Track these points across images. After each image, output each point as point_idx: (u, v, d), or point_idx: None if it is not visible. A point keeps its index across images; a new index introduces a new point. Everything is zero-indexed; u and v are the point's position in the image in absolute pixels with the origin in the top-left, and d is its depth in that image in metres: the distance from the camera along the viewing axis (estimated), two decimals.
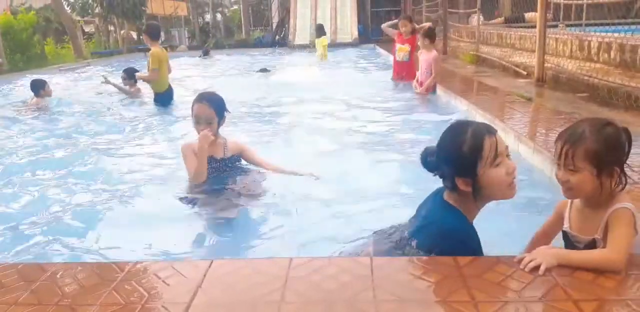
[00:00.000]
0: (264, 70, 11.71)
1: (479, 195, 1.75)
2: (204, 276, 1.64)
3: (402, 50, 7.75)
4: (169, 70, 7.14)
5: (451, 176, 1.76)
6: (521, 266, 1.61)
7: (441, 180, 1.83)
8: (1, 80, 10.81)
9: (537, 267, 1.59)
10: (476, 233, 1.79)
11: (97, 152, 4.50)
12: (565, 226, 1.83)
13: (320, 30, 13.73)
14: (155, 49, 6.83)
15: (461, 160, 1.72)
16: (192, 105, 3.06)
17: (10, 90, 9.78)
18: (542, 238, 1.96)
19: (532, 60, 6.72)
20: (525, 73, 6.98)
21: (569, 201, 1.82)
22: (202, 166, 3.00)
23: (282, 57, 16.21)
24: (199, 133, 3.00)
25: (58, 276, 1.68)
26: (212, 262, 1.72)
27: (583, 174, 1.64)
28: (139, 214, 2.94)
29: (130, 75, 7.77)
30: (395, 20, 8.29)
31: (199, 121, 3.03)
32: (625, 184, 1.69)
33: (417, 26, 7.64)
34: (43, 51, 15.93)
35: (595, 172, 1.63)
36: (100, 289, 1.57)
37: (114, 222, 2.81)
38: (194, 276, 1.63)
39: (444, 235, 1.76)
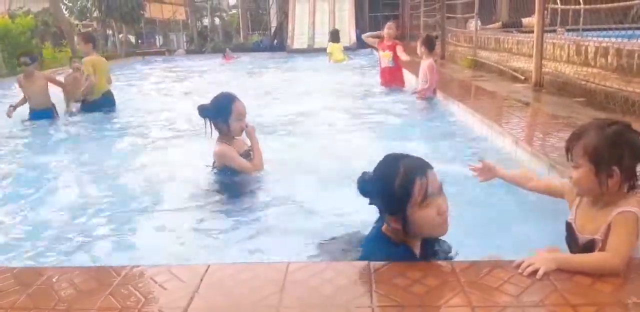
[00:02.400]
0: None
1: (409, 232, 1.71)
2: (201, 280, 1.63)
3: (385, 56, 8.01)
4: (109, 81, 7.40)
5: (382, 212, 1.74)
6: (519, 270, 1.61)
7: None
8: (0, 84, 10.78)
9: (535, 272, 1.59)
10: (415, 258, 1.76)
11: (93, 157, 4.50)
12: (571, 217, 1.82)
13: (335, 35, 13.88)
14: (92, 57, 7.10)
15: (390, 198, 1.66)
16: (231, 104, 3.23)
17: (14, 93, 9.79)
18: (528, 181, 2.05)
19: (529, 64, 6.74)
20: (522, 78, 6.99)
21: (576, 199, 1.82)
22: (260, 155, 3.36)
23: (293, 61, 16.14)
24: (238, 129, 3.29)
25: (54, 280, 1.67)
26: (209, 267, 1.71)
27: (582, 171, 1.65)
28: (136, 218, 2.93)
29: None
30: (377, 32, 8.43)
31: (241, 118, 3.28)
32: (635, 187, 1.66)
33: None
34: (41, 55, 15.91)
35: (593, 170, 1.62)
36: (96, 293, 1.56)
37: (110, 226, 2.81)
38: (191, 281, 1.62)
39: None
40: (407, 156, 1.73)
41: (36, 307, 1.51)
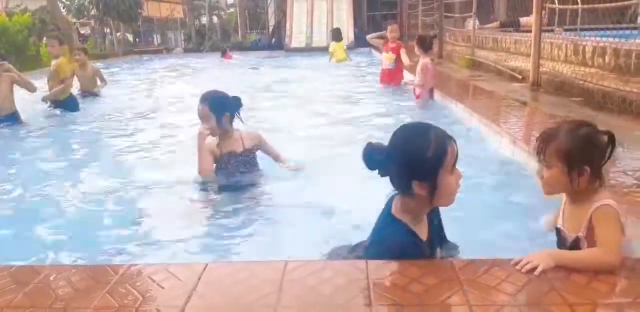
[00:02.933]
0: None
1: (434, 198, 1.73)
2: (199, 279, 1.63)
3: (388, 58, 8.09)
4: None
5: (407, 179, 1.72)
6: (517, 267, 1.62)
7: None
8: None
9: (533, 269, 1.60)
10: (424, 245, 1.79)
11: (89, 153, 4.49)
12: (560, 223, 1.86)
13: (337, 34, 13.80)
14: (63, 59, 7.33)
15: (423, 164, 1.68)
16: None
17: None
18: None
19: (527, 64, 6.74)
20: (520, 77, 7.00)
21: (564, 198, 1.87)
22: (202, 163, 3.26)
23: (291, 60, 16.11)
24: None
25: (51, 278, 1.67)
26: (207, 266, 1.71)
27: (554, 171, 1.73)
28: (133, 216, 2.93)
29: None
30: (382, 32, 8.47)
31: (200, 120, 3.28)
32: (602, 182, 1.75)
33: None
34: (38, 53, 15.86)
35: (565, 170, 1.70)
36: (94, 292, 1.56)
37: (107, 224, 2.80)
38: (189, 279, 1.62)
39: (395, 252, 1.74)
40: (431, 125, 1.79)
41: (33, 306, 1.51)
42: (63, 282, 1.63)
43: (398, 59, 7.93)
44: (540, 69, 6.25)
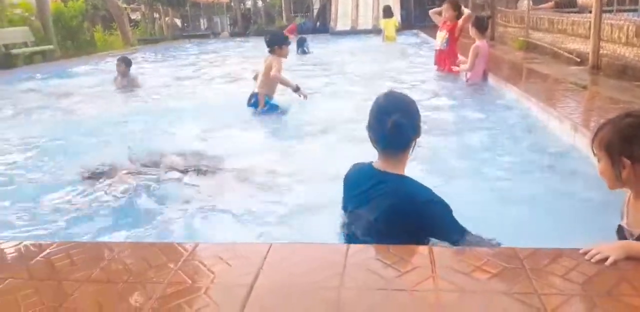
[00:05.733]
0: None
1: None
2: (264, 258, 1.67)
3: (439, 37, 7.52)
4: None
5: (413, 136, 2.02)
6: (586, 257, 1.58)
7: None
8: (55, 67, 11.15)
9: (603, 260, 1.56)
10: None
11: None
12: (623, 221, 1.78)
13: (387, 12, 13.57)
14: None
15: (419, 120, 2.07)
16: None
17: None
18: None
19: (586, 46, 6.46)
20: (578, 60, 6.72)
21: (627, 195, 1.79)
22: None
23: (337, 42, 15.93)
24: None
25: (125, 254, 1.75)
26: (271, 246, 1.75)
27: (603, 163, 1.70)
28: (197, 195, 3.01)
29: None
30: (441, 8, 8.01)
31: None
32: None
33: (466, 13, 7.33)
34: (92, 38, 16.36)
35: (609, 162, 1.66)
36: (166, 268, 1.63)
37: (173, 203, 2.89)
38: (255, 259, 1.67)
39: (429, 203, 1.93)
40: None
41: (110, 281, 1.59)
42: (137, 258, 1.71)
43: (452, 40, 7.36)
44: (600, 52, 5.97)
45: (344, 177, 2.18)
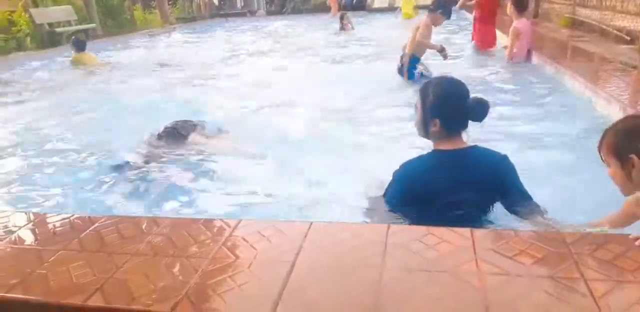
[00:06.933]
0: None
1: None
2: (305, 236, 1.69)
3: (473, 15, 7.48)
4: None
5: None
6: (637, 244, 1.53)
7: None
8: (98, 45, 11.37)
9: None
10: None
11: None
12: None
13: None
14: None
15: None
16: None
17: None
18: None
19: (636, 24, 6.14)
20: (628, 38, 6.40)
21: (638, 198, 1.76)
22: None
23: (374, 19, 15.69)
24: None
25: (169, 230, 1.80)
26: (311, 224, 1.77)
27: (612, 168, 1.69)
28: (237, 174, 3.06)
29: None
30: None
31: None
32: None
33: None
34: (132, 17, 16.58)
35: (618, 164, 1.64)
36: (210, 243, 1.67)
37: (213, 182, 2.95)
38: (295, 236, 1.69)
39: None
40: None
41: (156, 254, 1.64)
42: (181, 233, 1.75)
43: (486, 14, 7.19)
44: None
45: (398, 177, 2.14)
